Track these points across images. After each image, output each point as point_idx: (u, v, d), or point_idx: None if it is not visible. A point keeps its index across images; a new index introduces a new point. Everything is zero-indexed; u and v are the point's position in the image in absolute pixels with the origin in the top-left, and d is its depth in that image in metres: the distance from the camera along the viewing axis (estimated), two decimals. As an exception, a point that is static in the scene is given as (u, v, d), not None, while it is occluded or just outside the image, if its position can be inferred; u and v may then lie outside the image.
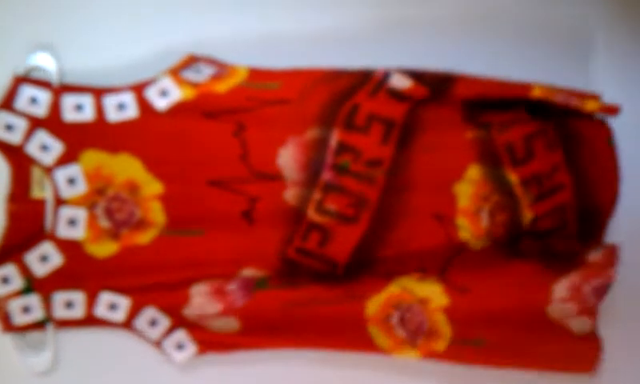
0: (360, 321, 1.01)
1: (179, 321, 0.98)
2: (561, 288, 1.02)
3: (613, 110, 1.02)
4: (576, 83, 1.06)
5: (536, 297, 1.02)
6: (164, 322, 0.97)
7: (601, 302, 1.03)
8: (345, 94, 1.00)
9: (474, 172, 1.02)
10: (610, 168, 1.05)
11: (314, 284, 0.99)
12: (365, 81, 1.00)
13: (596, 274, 1.02)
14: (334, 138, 0.99)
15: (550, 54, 1.13)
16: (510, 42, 1.12)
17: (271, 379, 1.03)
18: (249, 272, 0.99)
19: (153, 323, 0.97)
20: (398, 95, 1.00)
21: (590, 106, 1.02)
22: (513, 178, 1.02)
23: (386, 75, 1.00)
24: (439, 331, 1.02)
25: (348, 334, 1.00)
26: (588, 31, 1.14)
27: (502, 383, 1.06)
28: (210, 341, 0.99)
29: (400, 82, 1.00)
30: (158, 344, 0.98)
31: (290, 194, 0.99)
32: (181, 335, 0.98)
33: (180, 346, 0.98)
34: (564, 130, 1.04)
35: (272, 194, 0.99)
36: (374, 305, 1.01)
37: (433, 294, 1.02)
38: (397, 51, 1.07)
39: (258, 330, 0.99)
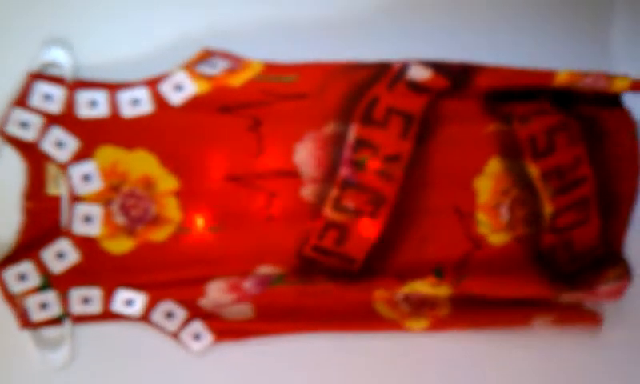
0: (367, 299, 1.01)
1: (195, 312, 0.98)
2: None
3: None
4: (598, 66, 1.03)
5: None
6: (180, 313, 0.97)
7: None
8: (362, 87, 0.98)
9: (494, 165, 1.01)
10: (633, 161, 1.03)
11: (328, 281, 0.99)
12: (382, 73, 0.98)
13: (600, 299, 1.03)
14: (352, 133, 0.98)
15: (571, 35, 1.11)
16: (528, 23, 1.10)
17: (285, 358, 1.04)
18: (265, 269, 0.98)
19: (169, 315, 0.97)
20: (417, 87, 0.98)
21: (619, 83, 0.99)
22: (533, 170, 1.01)
23: (404, 67, 0.98)
24: (440, 302, 1.02)
25: (356, 314, 1.01)
26: (609, 10, 1.12)
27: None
28: (225, 329, 0.99)
29: (419, 73, 0.97)
30: (175, 335, 0.98)
31: (307, 191, 0.98)
32: (197, 326, 0.98)
33: (197, 336, 0.98)
34: (588, 122, 1.02)
35: (288, 190, 0.98)
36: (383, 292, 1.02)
37: (441, 293, 1.02)
38: (410, 39, 1.06)
39: (272, 317, 0.99)
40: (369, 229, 0.99)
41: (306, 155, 0.98)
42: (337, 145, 0.98)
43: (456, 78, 0.98)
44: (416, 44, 1.03)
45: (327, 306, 1.00)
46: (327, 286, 0.99)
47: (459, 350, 1.07)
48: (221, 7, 1.02)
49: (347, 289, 0.99)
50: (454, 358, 1.07)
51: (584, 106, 1.02)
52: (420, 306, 1.02)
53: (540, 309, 1.03)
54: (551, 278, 1.01)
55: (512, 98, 1.01)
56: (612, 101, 1.03)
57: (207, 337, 0.98)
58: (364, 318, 1.01)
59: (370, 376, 1.05)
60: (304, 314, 1.00)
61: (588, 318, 1.05)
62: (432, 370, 1.07)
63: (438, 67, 0.97)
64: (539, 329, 1.05)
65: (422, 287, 1.00)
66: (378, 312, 1.02)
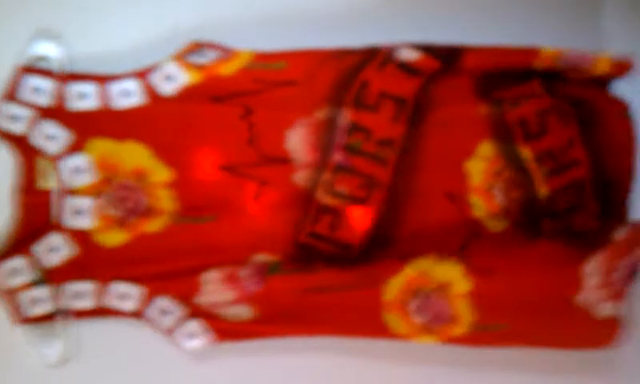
0: (376, 307, 0.98)
1: (192, 309, 0.97)
2: (591, 271, 0.98)
3: (625, 66, 0.99)
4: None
5: (565, 282, 0.98)
6: (176, 310, 0.96)
7: (630, 285, 0.99)
8: (352, 71, 0.98)
9: (486, 148, 1.00)
10: (626, 142, 1.01)
11: (327, 268, 0.98)
12: (372, 56, 0.98)
13: (625, 253, 0.98)
14: (344, 117, 0.97)
15: (562, 21, 1.11)
16: (519, 10, 1.10)
17: (286, 369, 1.02)
18: (261, 257, 0.97)
19: (165, 312, 0.96)
20: (407, 68, 0.98)
21: (602, 65, 0.98)
22: (526, 153, 0.99)
23: (393, 49, 0.98)
24: (459, 317, 0.99)
25: (364, 321, 0.99)
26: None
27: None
28: (224, 329, 0.97)
29: (409, 55, 0.97)
30: (169, 332, 0.97)
31: (300, 177, 0.97)
32: (194, 324, 0.97)
33: (192, 335, 0.97)
34: (579, 105, 1.01)
35: (281, 177, 0.97)
36: (392, 290, 0.99)
37: (453, 277, 0.99)
38: (400, 26, 1.05)
39: (273, 318, 0.98)
40: (362, 216, 0.98)
41: (297, 141, 0.97)
42: (329, 130, 0.97)
43: (445, 58, 0.97)
44: (406, 32, 1.02)
45: (332, 310, 0.98)
46: (326, 273, 0.97)
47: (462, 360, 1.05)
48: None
49: (348, 275, 0.97)
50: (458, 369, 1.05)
51: (573, 87, 1.01)
52: (435, 320, 0.99)
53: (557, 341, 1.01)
54: (561, 240, 0.99)
55: (502, 82, 1.00)
56: (600, 84, 1.02)
57: (203, 336, 0.97)
58: (369, 325, 0.99)
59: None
60: (307, 316, 0.98)
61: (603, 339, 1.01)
62: (437, 379, 1.05)
63: (427, 49, 0.97)
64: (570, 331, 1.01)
65: (426, 264, 0.99)
66: (386, 324, 0.99)
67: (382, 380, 1.03)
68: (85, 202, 0.94)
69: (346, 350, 1.02)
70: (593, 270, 0.98)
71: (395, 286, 0.99)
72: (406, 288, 0.99)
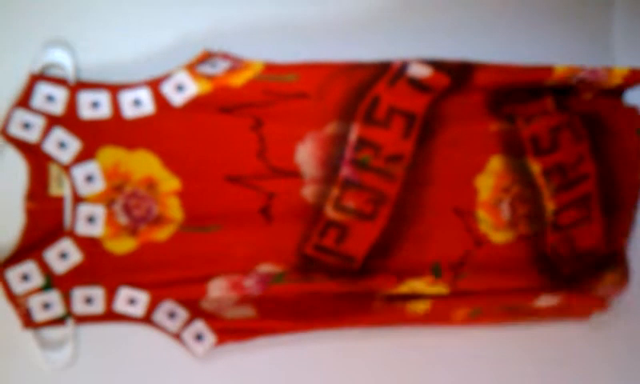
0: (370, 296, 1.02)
1: (197, 312, 0.98)
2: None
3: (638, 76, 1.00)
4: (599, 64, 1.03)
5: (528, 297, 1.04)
6: (182, 313, 0.98)
7: None
8: (363, 86, 0.99)
9: (495, 163, 1.01)
10: (636, 158, 1.03)
11: (329, 280, 0.99)
12: (383, 72, 0.99)
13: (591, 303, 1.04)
14: (354, 133, 0.98)
15: (571, 34, 1.12)
16: (528, 23, 1.11)
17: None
18: (265, 268, 0.99)
19: (171, 315, 0.98)
20: (418, 85, 0.98)
21: (618, 73, 0.99)
22: (535, 167, 1.01)
23: (404, 65, 0.98)
24: None
25: (359, 309, 1.02)
26: (610, 8, 1.13)
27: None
28: (227, 328, 0.99)
29: (420, 71, 0.98)
30: (177, 336, 0.98)
31: (308, 191, 0.98)
32: (199, 325, 0.98)
33: (199, 337, 0.99)
34: (591, 119, 1.02)
35: (290, 190, 0.98)
36: (380, 299, 1.02)
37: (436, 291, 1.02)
38: (411, 38, 1.06)
39: (274, 315, 1.00)
40: (369, 231, 0.99)
41: (307, 155, 0.98)
42: (338, 145, 0.98)
43: (456, 75, 0.98)
44: (415, 44, 1.04)
45: (330, 304, 1.00)
46: (327, 284, 0.99)
47: (461, 348, 1.08)
48: (222, 8, 1.02)
49: (347, 286, 0.99)
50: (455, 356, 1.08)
51: (585, 101, 1.03)
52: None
53: (545, 290, 1.03)
54: (550, 278, 1.01)
55: (514, 98, 1.01)
56: (614, 96, 1.03)
57: (209, 337, 0.99)
58: (368, 312, 1.02)
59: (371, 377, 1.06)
60: (307, 312, 1.00)
61: (595, 300, 1.05)
62: (434, 371, 1.07)
63: (438, 65, 0.98)
64: (544, 313, 1.05)
65: (419, 285, 1.00)
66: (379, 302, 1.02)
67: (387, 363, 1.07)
68: (97, 210, 0.95)
69: (344, 338, 1.04)
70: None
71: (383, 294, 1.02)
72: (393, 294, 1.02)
